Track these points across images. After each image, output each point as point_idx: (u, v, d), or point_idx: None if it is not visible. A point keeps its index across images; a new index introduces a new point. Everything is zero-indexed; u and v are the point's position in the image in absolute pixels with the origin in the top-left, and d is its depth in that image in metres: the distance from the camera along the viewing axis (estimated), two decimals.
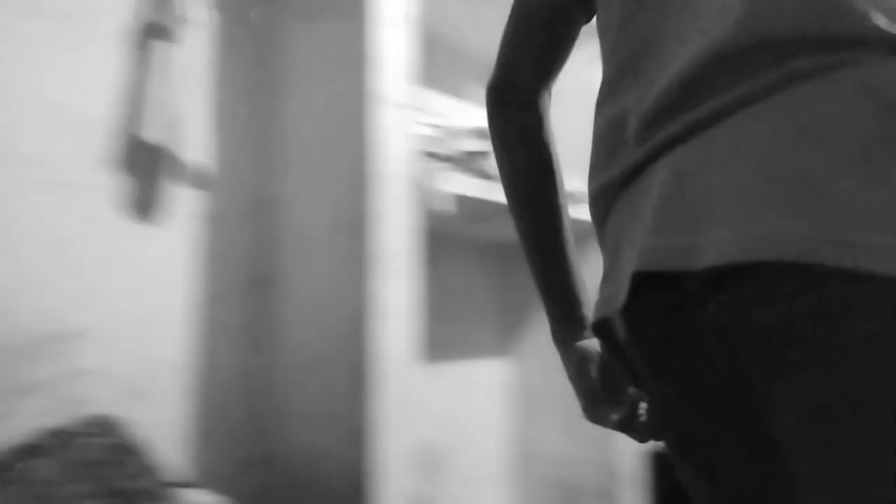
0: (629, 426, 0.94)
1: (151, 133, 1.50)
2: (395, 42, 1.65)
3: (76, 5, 1.47)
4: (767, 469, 0.66)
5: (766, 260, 0.53)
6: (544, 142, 0.97)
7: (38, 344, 1.32)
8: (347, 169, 1.65)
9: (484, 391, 2.88)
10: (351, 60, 1.63)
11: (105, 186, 1.49)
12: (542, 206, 0.97)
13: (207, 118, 1.71)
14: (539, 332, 2.79)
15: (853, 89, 0.56)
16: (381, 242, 1.58)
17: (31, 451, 1.14)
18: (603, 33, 0.81)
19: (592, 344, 0.95)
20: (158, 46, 1.57)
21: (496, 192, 1.80)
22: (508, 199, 0.99)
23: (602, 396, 0.93)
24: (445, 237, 2.61)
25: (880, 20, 0.56)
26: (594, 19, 0.87)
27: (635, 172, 0.69)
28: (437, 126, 1.86)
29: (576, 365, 0.96)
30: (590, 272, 0.97)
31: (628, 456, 2.58)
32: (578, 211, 1.02)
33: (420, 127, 1.76)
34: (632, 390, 0.92)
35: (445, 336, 2.65)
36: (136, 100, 1.53)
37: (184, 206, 1.62)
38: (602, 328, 0.77)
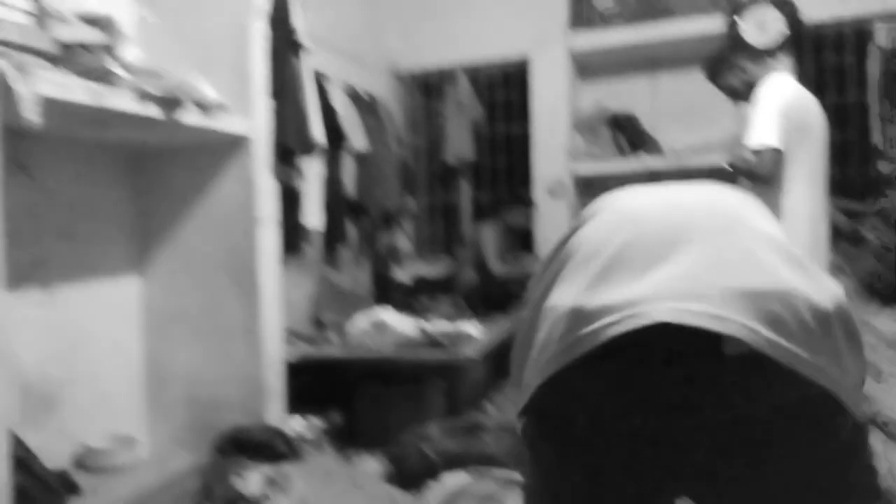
0: None
1: None
2: None
3: None
4: None
5: None
6: None
7: None
8: None
9: (111, 313, 2.66)
10: None
11: None
12: None
13: None
14: (172, 247, 2.64)
15: None
16: None
17: None
18: None
19: None
20: None
21: (109, 97, 1.60)
22: None
23: None
24: (52, 140, 2.27)
25: None
26: None
27: None
28: (30, 10, 1.57)
29: None
30: None
31: (269, 369, 2.65)
32: None
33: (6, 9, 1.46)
34: None
35: (61, 254, 2.36)
36: None
37: None
38: None
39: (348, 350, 3.22)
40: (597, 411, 0.86)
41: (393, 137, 4.67)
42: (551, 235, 4.71)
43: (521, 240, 4.79)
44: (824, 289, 0.83)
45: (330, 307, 4.07)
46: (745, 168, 2.54)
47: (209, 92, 2.34)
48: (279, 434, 2.63)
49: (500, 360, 4.12)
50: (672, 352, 0.82)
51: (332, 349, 3.29)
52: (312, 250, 4.02)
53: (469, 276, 4.55)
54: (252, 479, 2.31)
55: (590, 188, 4.85)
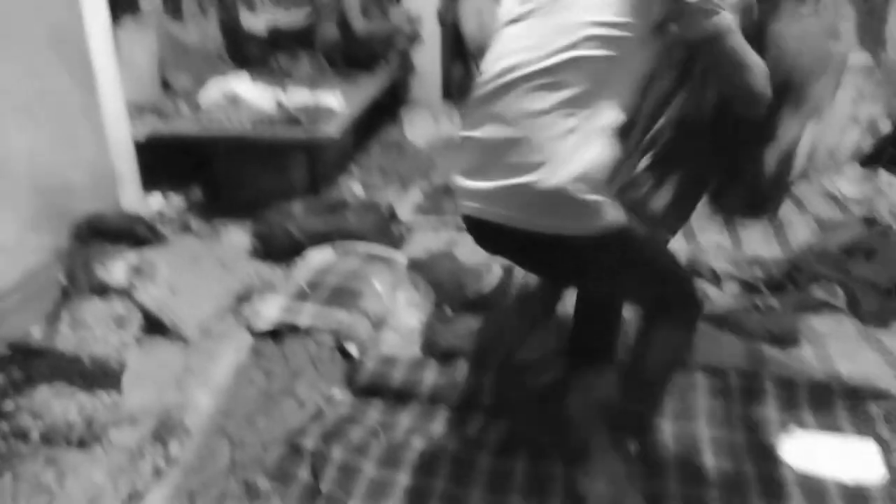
0: None
1: None
2: None
3: None
4: None
5: None
6: None
7: None
8: None
9: None
10: None
11: None
12: None
13: None
14: None
15: None
16: None
17: None
18: None
19: None
20: None
21: None
22: None
23: None
24: None
25: None
26: None
27: None
28: None
29: None
30: None
31: (117, 151, 2.54)
32: None
33: None
34: None
35: None
36: None
37: None
38: None
39: (202, 126, 3.11)
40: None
41: None
42: None
43: None
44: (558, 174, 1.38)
45: (178, 66, 3.80)
46: None
47: None
48: (138, 219, 2.63)
49: (363, 132, 4.13)
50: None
51: (184, 124, 3.16)
52: (150, 2, 3.63)
53: (330, 31, 4.31)
54: (116, 267, 2.35)
55: None
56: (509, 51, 1.48)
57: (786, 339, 2.20)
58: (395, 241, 2.86)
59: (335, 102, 3.36)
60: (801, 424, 1.86)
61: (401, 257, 2.67)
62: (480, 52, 2.41)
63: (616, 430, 1.72)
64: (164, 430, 1.88)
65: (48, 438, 1.82)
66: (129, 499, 1.65)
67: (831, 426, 1.85)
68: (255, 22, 4.45)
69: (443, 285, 2.45)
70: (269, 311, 2.32)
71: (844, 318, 2.35)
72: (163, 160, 3.07)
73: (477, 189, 1.50)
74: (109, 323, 2.21)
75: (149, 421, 1.92)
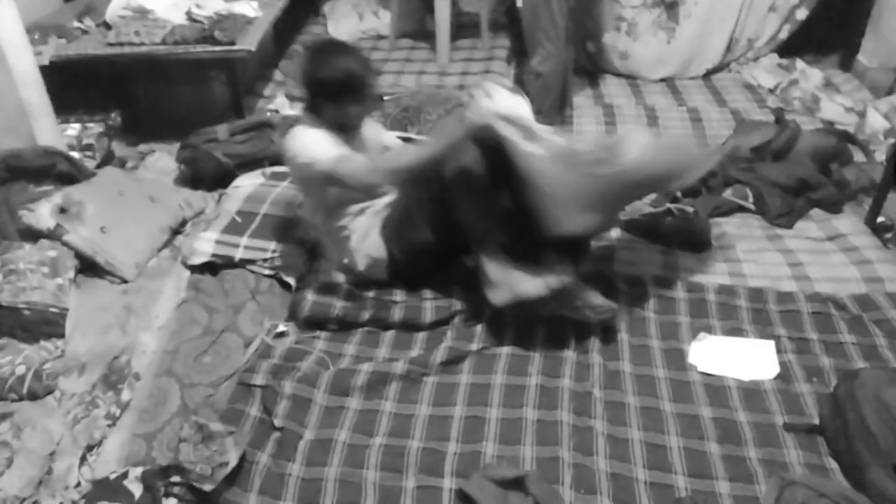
0: None
1: None
2: None
3: None
4: None
5: None
6: None
7: None
8: None
9: None
10: None
11: None
12: None
13: None
14: None
15: None
16: None
17: None
18: None
19: None
20: None
21: None
22: None
23: None
24: None
25: None
26: None
27: None
28: None
29: None
30: None
31: (24, 83, 2.42)
32: None
33: None
34: None
35: None
36: None
37: None
38: None
39: (113, 47, 2.95)
40: None
41: None
42: None
43: None
44: None
45: None
46: None
47: None
48: (57, 154, 2.55)
49: (285, 34, 3.97)
50: None
51: (91, 44, 2.99)
52: None
53: None
54: (42, 210, 2.31)
55: None
56: None
57: (698, 244, 2.37)
58: None
59: (250, 8, 3.22)
60: (709, 329, 2.05)
61: None
62: None
63: None
64: (114, 376, 1.95)
65: None
66: (86, 449, 1.74)
67: (735, 329, 2.05)
68: None
69: None
70: (202, 245, 2.34)
71: (753, 219, 2.53)
72: (75, 85, 2.93)
73: None
74: (43, 269, 2.21)
75: (97, 367, 1.97)
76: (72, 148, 2.79)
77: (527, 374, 1.91)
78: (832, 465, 1.65)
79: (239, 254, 2.31)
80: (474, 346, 1.99)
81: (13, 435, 1.78)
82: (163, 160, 2.98)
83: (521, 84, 3.55)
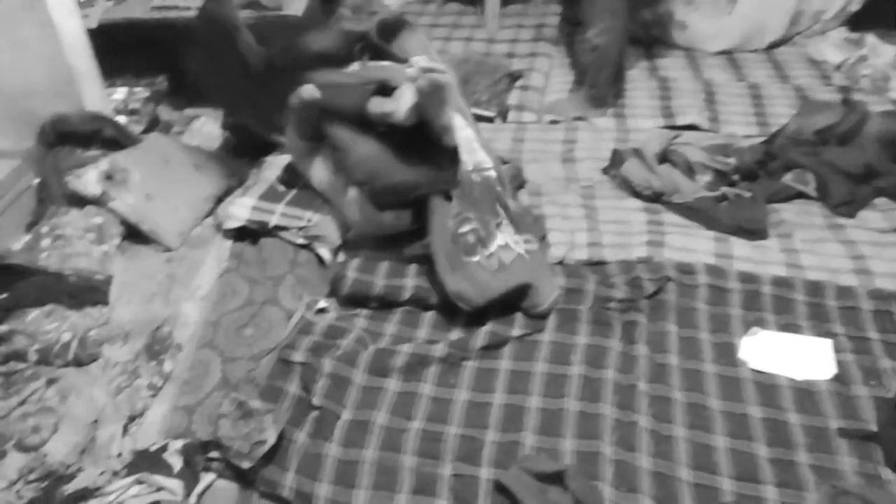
0: None
1: None
2: None
3: None
4: None
5: None
6: None
7: None
8: None
9: None
10: None
11: None
12: None
13: None
14: None
15: None
16: None
17: None
18: None
19: None
20: None
21: None
22: None
23: None
24: None
25: None
26: None
27: None
28: None
29: None
30: None
31: (70, 47, 2.42)
32: None
33: None
34: None
35: None
36: None
37: None
38: None
39: (159, 11, 2.92)
40: None
41: None
42: None
43: None
44: None
45: None
46: None
47: None
48: (105, 119, 2.54)
49: (327, 8, 3.88)
50: None
51: (138, 8, 2.97)
52: None
53: None
54: (88, 176, 2.32)
55: None
56: None
57: (754, 231, 2.27)
58: None
59: None
60: (762, 324, 1.97)
61: None
62: None
63: None
64: (156, 346, 1.96)
65: (46, 360, 1.90)
66: (129, 419, 1.76)
67: (791, 324, 1.96)
68: None
69: None
70: (238, 210, 2.33)
71: (813, 206, 2.41)
72: (122, 49, 2.92)
73: None
74: (90, 235, 2.23)
75: (140, 336, 1.99)
76: (118, 112, 2.79)
77: (569, 364, 1.86)
78: (889, 475, 1.57)
79: (274, 220, 2.29)
80: (515, 332, 1.95)
81: (59, 401, 1.80)
82: (208, 126, 2.96)
83: (572, 54, 3.44)
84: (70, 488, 1.57)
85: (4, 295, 1.96)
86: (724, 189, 2.40)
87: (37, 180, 2.44)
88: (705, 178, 2.45)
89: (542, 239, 2.23)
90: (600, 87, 2.88)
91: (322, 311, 2.07)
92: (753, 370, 1.84)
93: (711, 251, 2.22)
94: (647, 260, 2.17)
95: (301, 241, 2.28)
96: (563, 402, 1.76)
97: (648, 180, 2.43)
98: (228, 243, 2.33)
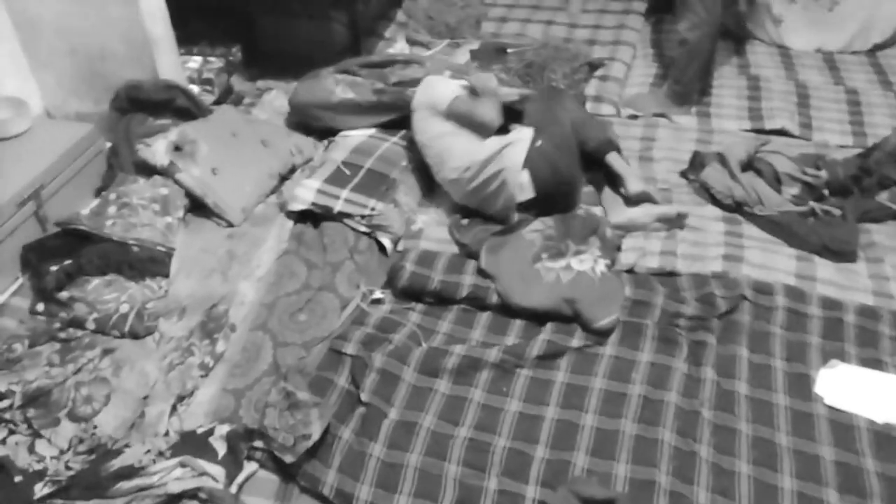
0: None
1: None
2: None
3: None
4: None
5: None
6: None
7: None
8: None
9: None
10: None
11: None
12: None
13: None
14: None
15: None
16: None
17: None
18: None
19: None
20: None
21: None
22: None
23: None
24: None
25: None
26: None
27: None
28: None
29: None
30: None
31: (149, 15, 2.42)
32: None
33: None
34: None
35: None
36: None
37: None
38: None
39: None
40: None
41: None
42: None
43: None
44: None
45: None
46: None
47: None
48: (177, 88, 2.54)
49: None
50: None
51: None
52: None
53: None
54: (157, 146, 2.32)
55: None
56: None
57: (841, 253, 2.11)
58: None
59: None
60: (843, 356, 1.83)
61: None
62: None
63: None
64: (211, 324, 1.96)
65: (103, 329, 1.92)
66: (178, 399, 1.76)
67: (873, 360, 1.82)
68: None
69: None
70: (304, 192, 2.30)
71: None
72: (199, 17, 2.92)
73: None
74: (155, 206, 2.23)
75: (196, 313, 1.99)
76: (192, 81, 2.79)
77: (629, 382, 1.77)
78: None
79: (338, 206, 2.26)
80: (575, 343, 1.86)
81: (112, 372, 1.82)
82: (279, 99, 2.94)
83: (658, 45, 3.28)
84: (116, 464, 1.57)
85: (69, 261, 1.98)
86: (813, 204, 2.23)
87: (108, 145, 2.46)
88: (792, 190, 2.29)
89: (618, 249, 2.13)
90: (686, 83, 2.72)
91: (377, 301, 2.03)
92: (829, 407, 1.71)
93: (792, 271, 2.08)
94: (723, 275, 2.04)
95: (364, 228, 2.24)
96: (620, 422, 1.67)
97: (730, 188, 2.29)
98: (290, 224, 2.31)
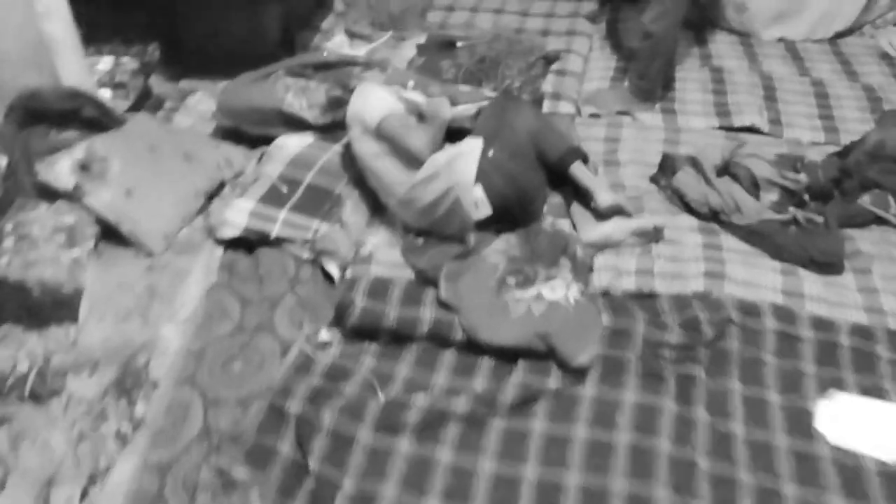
0: None
1: None
2: None
3: None
4: None
5: None
6: None
7: None
8: None
9: None
10: None
11: None
12: None
13: None
14: None
15: None
16: None
17: None
18: None
19: None
20: None
21: None
22: None
23: None
24: None
25: None
26: None
27: None
28: None
29: None
30: None
31: (47, 13, 2.08)
32: None
33: None
34: None
35: None
36: None
37: None
38: None
39: None
40: None
41: None
42: None
43: None
44: None
45: None
46: None
47: None
48: (84, 97, 2.21)
49: None
50: None
51: None
52: None
53: None
54: (61, 166, 2.00)
55: None
56: None
57: (827, 265, 1.95)
58: None
59: None
60: (840, 384, 1.67)
61: None
62: None
63: None
64: (129, 379, 1.68)
65: None
66: (90, 480, 1.48)
67: (874, 387, 1.66)
68: None
69: None
70: (235, 215, 2.02)
71: (894, 234, 2.08)
72: (110, 12, 2.58)
73: None
74: (59, 237, 1.92)
75: (111, 366, 1.71)
76: (102, 85, 2.46)
77: (615, 427, 1.57)
78: None
79: (276, 230, 1.99)
80: (551, 384, 1.65)
81: (10, 447, 1.53)
82: (204, 103, 2.63)
83: (614, 35, 3.07)
84: None
85: None
86: (793, 211, 2.07)
87: (3, 164, 2.12)
88: (771, 196, 2.12)
89: (590, 271, 1.92)
90: (650, 78, 2.52)
91: (324, 344, 1.78)
92: (833, 446, 1.55)
93: (778, 287, 1.91)
94: (705, 295, 1.86)
95: (306, 255, 1.98)
96: (608, 478, 1.47)
97: (705, 195, 2.11)
98: (219, 251, 2.03)
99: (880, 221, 2.11)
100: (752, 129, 2.51)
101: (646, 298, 1.88)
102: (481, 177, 1.89)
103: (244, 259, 2.00)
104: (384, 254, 2.01)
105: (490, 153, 1.92)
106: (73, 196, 1.99)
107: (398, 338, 1.78)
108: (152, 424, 1.60)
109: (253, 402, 1.63)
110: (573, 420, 1.59)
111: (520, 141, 2.01)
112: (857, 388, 1.67)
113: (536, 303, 1.75)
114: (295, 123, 2.29)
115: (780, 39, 3.10)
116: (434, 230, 1.98)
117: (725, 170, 2.18)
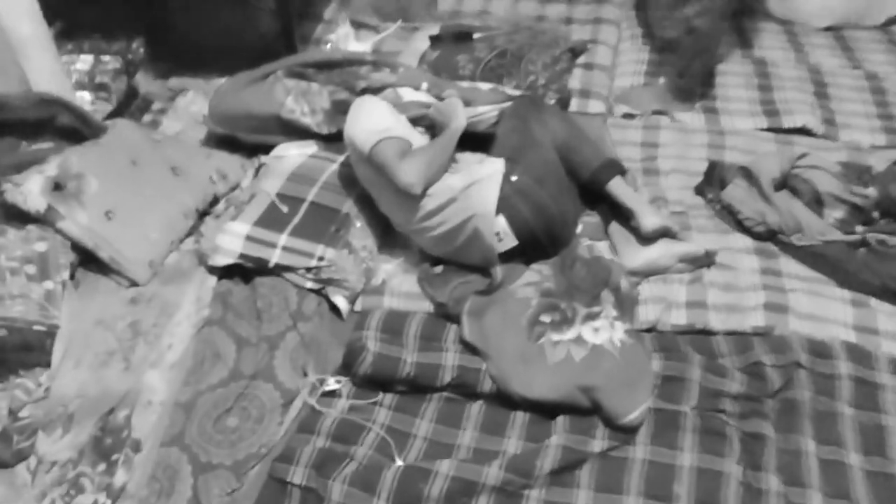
0: None
1: None
2: None
3: None
4: None
5: None
6: None
7: None
8: None
9: None
10: None
11: None
12: None
13: None
14: None
15: None
16: None
17: None
18: None
19: None
20: None
21: None
22: None
23: None
24: None
25: None
26: None
27: None
28: None
29: None
30: None
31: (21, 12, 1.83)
32: None
33: None
34: None
35: None
36: None
37: None
38: None
39: None
40: None
41: None
42: None
43: None
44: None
45: None
46: None
47: None
48: (58, 103, 1.97)
49: None
50: None
51: None
52: None
53: None
54: (31, 186, 1.77)
55: None
56: None
57: None
58: None
59: None
60: None
61: None
62: None
63: None
64: (108, 439, 1.45)
65: None
66: None
67: None
68: None
69: None
70: (229, 241, 1.78)
71: None
72: (88, 3, 2.32)
73: None
74: (29, 268, 1.69)
75: (87, 421, 1.48)
76: (81, 87, 2.21)
77: (672, 499, 1.34)
78: None
79: (275, 257, 1.75)
80: (597, 446, 1.42)
81: None
82: (196, 103, 2.39)
83: (646, 24, 2.80)
84: None
85: None
86: (862, 230, 1.83)
87: None
88: (837, 213, 1.87)
89: (636, 304, 1.68)
90: (691, 77, 2.26)
91: (332, 393, 1.55)
92: None
93: (850, 321, 1.67)
94: (767, 331, 1.62)
95: (311, 284, 1.74)
96: None
97: (762, 213, 1.86)
98: (212, 280, 1.79)
99: None
100: (803, 131, 2.25)
101: (699, 335, 1.65)
102: (503, 206, 1.64)
103: (240, 289, 1.76)
104: (399, 283, 1.77)
105: (513, 178, 1.67)
106: (44, 220, 1.75)
107: (417, 387, 1.55)
108: (135, 494, 1.38)
109: (250, 468, 1.40)
110: (622, 491, 1.36)
111: (547, 159, 1.75)
112: None
113: (577, 347, 1.51)
114: (295, 131, 2.04)
115: (828, 28, 2.83)
116: (455, 260, 1.74)
117: (783, 183, 1.93)
